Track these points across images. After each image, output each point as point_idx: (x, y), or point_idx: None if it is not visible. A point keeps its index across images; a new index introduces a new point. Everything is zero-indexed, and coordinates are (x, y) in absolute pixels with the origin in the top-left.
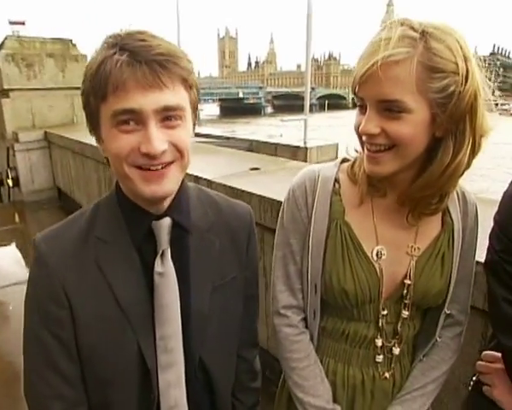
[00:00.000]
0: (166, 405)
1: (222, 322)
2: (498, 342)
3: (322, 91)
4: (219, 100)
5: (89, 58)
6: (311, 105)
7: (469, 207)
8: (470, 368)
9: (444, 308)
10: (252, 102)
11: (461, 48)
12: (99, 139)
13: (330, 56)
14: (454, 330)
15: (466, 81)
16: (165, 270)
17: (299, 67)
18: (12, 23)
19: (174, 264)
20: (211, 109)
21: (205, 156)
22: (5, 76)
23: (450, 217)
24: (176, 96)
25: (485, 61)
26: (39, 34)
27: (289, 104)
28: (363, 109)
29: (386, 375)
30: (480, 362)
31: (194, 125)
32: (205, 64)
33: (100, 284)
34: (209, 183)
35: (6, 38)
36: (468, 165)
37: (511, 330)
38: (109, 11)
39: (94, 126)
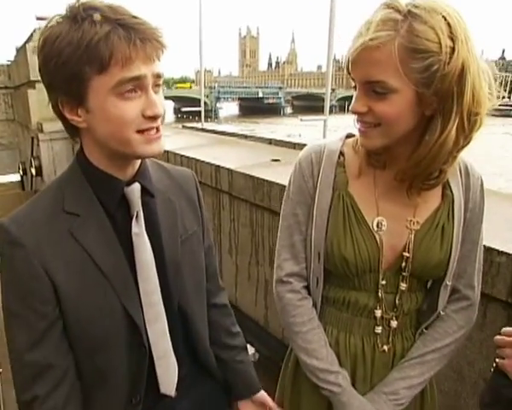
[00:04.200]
0: (157, 355)
1: (192, 270)
2: None
3: (342, 93)
4: (239, 99)
5: None
6: (330, 106)
7: (472, 180)
8: (491, 363)
9: (445, 280)
10: (271, 101)
11: (449, 26)
12: (81, 109)
13: None
14: (459, 303)
15: (450, 59)
16: (141, 230)
17: (319, 67)
18: (39, 18)
19: (146, 225)
20: (230, 108)
21: (227, 148)
22: (32, 68)
23: (450, 190)
24: (160, 65)
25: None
26: None
27: (309, 105)
28: (356, 89)
29: (385, 348)
30: (497, 336)
31: None
32: (225, 63)
33: (78, 254)
34: (230, 172)
35: (34, 31)
36: (460, 142)
37: None
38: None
39: (77, 97)
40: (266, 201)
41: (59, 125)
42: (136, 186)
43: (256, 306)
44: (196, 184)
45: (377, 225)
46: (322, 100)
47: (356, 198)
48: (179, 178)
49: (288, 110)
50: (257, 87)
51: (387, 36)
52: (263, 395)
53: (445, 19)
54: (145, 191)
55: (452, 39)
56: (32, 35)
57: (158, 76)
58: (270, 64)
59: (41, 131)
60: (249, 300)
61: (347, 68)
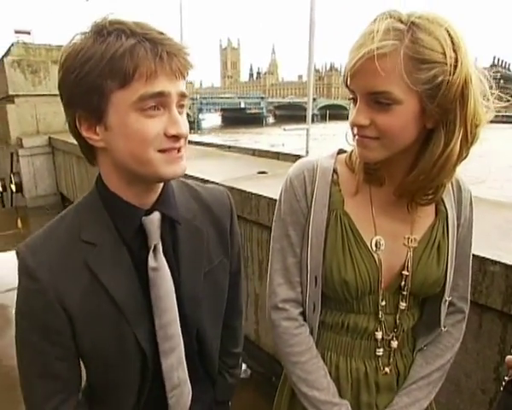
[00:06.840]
0: (171, 385)
1: (212, 299)
2: None
3: (323, 102)
4: (221, 110)
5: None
6: (312, 115)
7: (463, 194)
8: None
9: (444, 296)
10: (253, 112)
11: (450, 37)
12: (100, 126)
13: (332, 67)
14: (455, 317)
15: (455, 70)
16: (159, 264)
17: (300, 77)
18: (17, 32)
19: (165, 256)
20: (213, 119)
21: (212, 160)
22: (11, 82)
23: (444, 205)
24: (184, 84)
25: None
26: (45, 42)
27: (291, 114)
28: (355, 102)
29: (387, 370)
30: (509, 356)
31: None
32: (207, 74)
33: (93, 285)
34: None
35: (12, 45)
36: (463, 154)
37: None
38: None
39: (97, 112)
40: (255, 214)
41: (39, 140)
42: (156, 216)
43: (246, 320)
44: (231, 207)
45: (376, 245)
46: (304, 109)
47: (353, 218)
48: (211, 202)
49: (271, 120)
50: (239, 98)
51: (393, 45)
52: None
53: (448, 31)
54: (168, 219)
55: (455, 51)
56: (9, 49)
57: (183, 95)
58: (251, 75)
59: (21, 146)
60: None
61: (345, 80)
